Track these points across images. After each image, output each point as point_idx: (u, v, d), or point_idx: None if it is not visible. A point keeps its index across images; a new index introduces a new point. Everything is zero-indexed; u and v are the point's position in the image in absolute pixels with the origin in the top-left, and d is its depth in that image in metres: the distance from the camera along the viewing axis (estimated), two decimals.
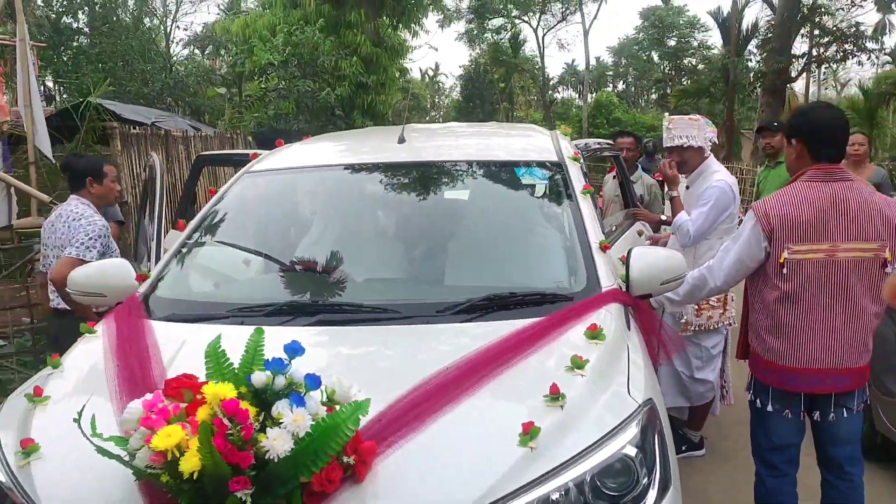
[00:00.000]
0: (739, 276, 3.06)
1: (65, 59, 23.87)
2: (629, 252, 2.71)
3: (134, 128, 8.65)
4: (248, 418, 1.61)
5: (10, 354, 6.56)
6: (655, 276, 2.64)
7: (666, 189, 4.31)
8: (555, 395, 1.93)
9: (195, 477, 1.55)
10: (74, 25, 25.47)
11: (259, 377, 1.70)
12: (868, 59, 19.50)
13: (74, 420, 1.71)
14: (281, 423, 1.63)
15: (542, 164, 3.13)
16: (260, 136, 7.08)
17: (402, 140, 3.33)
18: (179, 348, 2.30)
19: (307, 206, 3.38)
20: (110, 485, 1.76)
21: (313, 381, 1.72)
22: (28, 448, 1.91)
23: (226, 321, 2.49)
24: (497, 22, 41.46)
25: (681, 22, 40.62)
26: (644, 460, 1.88)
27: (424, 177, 3.22)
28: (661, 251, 2.84)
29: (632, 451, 1.87)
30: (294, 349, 1.76)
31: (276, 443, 1.59)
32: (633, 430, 1.91)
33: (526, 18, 42.48)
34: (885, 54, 27.98)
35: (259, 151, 3.70)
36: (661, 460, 1.95)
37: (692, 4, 74.28)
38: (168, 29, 32.08)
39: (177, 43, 32.04)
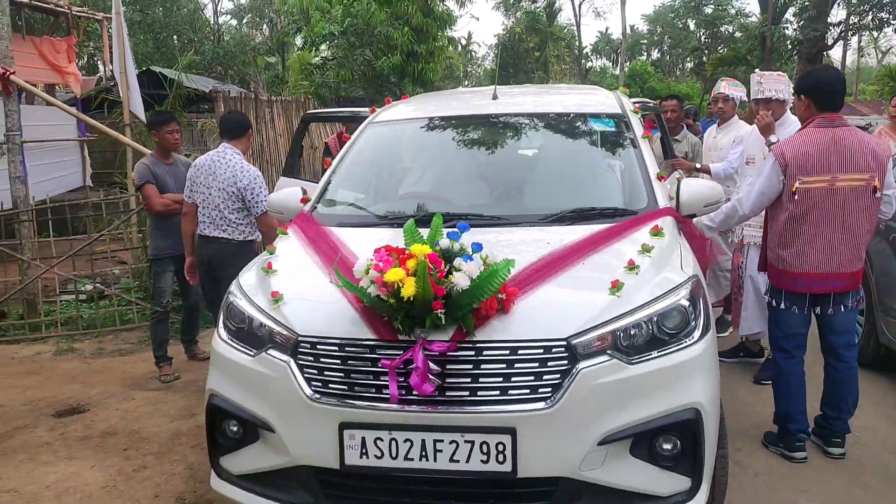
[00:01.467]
0: (762, 206, 3.92)
1: None
2: (678, 182, 3.59)
3: (229, 93, 9.55)
4: (441, 265, 2.56)
5: (130, 289, 7.71)
6: (699, 200, 3.52)
7: (762, 138, 4.59)
8: (632, 266, 2.84)
9: (411, 300, 2.49)
10: None
11: (445, 242, 2.65)
12: None
13: (334, 265, 2.68)
14: (460, 270, 2.56)
15: (610, 115, 4.02)
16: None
17: (495, 97, 4.26)
18: (357, 241, 3.24)
19: (426, 147, 4.28)
20: (341, 315, 2.71)
21: (477, 247, 2.66)
22: (276, 297, 2.88)
23: (381, 227, 3.46)
24: None
25: None
26: (693, 310, 2.78)
27: (517, 125, 4.13)
28: (704, 182, 3.70)
29: (685, 302, 2.76)
30: (463, 227, 2.71)
31: (460, 280, 2.52)
32: (685, 290, 2.80)
33: None
34: None
35: (375, 108, 4.59)
36: (704, 313, 2.84)
37: None
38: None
39: (224, 14, 33.03)
